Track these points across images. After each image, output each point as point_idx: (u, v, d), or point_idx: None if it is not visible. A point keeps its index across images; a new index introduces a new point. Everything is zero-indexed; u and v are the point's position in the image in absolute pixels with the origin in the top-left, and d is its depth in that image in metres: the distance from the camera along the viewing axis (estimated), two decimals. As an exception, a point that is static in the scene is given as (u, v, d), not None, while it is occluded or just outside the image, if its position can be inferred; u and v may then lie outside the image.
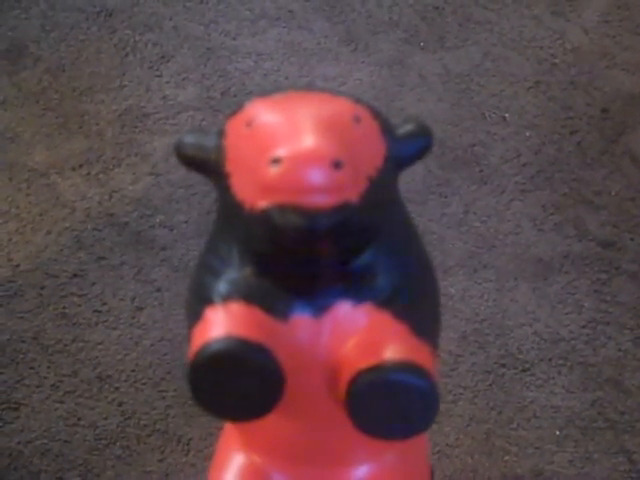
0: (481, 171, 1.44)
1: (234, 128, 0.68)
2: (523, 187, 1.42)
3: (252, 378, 0.65)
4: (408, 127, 0.70)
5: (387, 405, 0.66)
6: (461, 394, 1.19)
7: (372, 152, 0.67)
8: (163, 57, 1.59)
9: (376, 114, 0.69)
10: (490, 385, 1.20)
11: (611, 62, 1.59)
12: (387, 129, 0.69)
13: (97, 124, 1.49)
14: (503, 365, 1.22)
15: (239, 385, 0.66)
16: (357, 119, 0.67)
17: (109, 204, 1.39)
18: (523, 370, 1.21)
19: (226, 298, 0.68)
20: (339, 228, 0.64)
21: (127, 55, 1.59)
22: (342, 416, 0.68)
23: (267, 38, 1.62)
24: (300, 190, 0.62)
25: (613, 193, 1.42)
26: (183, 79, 1.56)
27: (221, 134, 0.69)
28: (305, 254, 0.65)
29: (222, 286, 0.69)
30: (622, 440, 1.16)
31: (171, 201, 1.39)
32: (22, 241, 1.34)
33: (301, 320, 0.68)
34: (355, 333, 0.68)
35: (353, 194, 0.64)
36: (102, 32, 1.62)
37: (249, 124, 0.67)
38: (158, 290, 1.28)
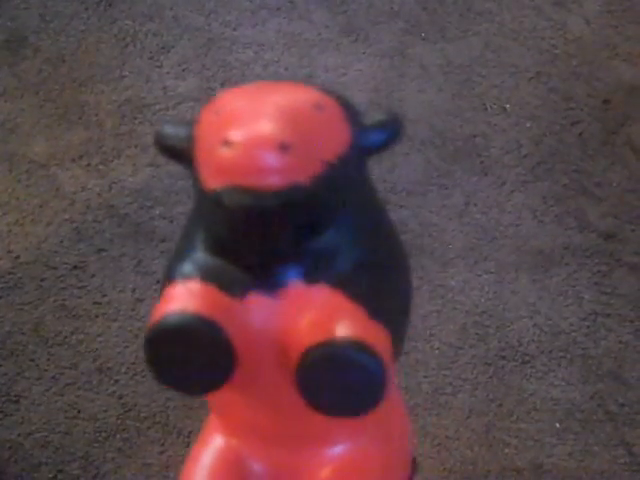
0: (482, 162, 1.43)
1: (204, 117, 0.71)
2: (524, 178, 1.42)
3: (204, 352, 0.68)
4: (377, 116, 0.73)
5: (335, 381, 0.68)
6: (461, 386, 1.19)
7: (332, 138, 0.69)
8: (163, 48, 1.58)
9: (342, 103, 0.71)
10: (490, 377, 1.20)
11: (613, 53, 1.59)
12: (353, 117, 0.71)
13: (97, 115, 1.49)
14: (503, 357, 1.22)
15: (191, 359, 0.69)
16: (318, 107, 0.69)
17: (109, 195, 1.38)
18: (523, 362, 1.21)
19: (185, 277, 0.71)
20: (288, 208, 0.66)
21: (127, 45, 1.58)
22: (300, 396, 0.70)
23: (267, 29, 1.62)
24: (249, 171, 0.65)
25: (614, 184, 1.41)
26: (183, 70, 1.55)
27: (194, 123, 0.72)
28: (256, 234, 0.68)
29: (183, 266, 0.72)
30: (622, 432, 1.16)
31: (171, 193, 1.38)
32: (22, 233, 1.34)
33: (256, 299, 0.71)
34: (309, 312, 0.70)
35: (303, 176, 0.66)
36: (102, 22, 1.62)
37: (217, 112, 0.70)
38: (158, 282, 1.28)
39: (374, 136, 0.72)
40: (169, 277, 0.73)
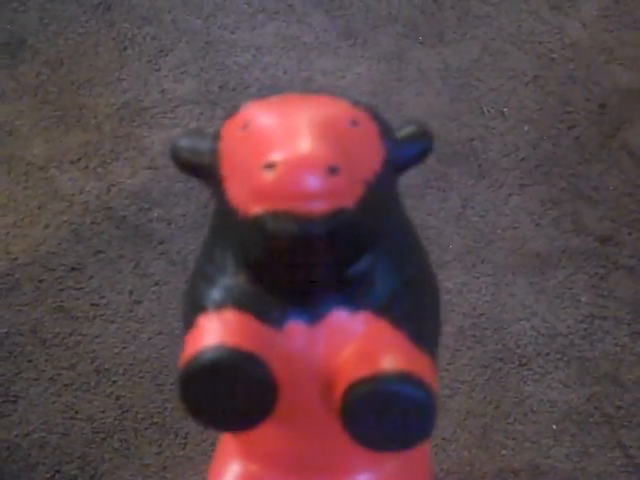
0: (479, 165, 1.44)
1: (229, 131, 0.68)
2: (521, 182, 1.42)
3: (244, 388, 0.65)
4: (409, 129, 0.69)
5: (383, 417, 0.65)
6: (458, 388, 1.19)
7: (369, 156, 0.66)
8: (162, 51, 1.59)
9: (375, 117, 0.68)
10: (487, 379, 1.20)
11: (610, 57, 1.59)
12: (386, 132, 0.68)
13: (95, 118, 1.49)
14: (500, 359, 1.22)
15: (231, 395, 0.65)
16: (354, 122, 0.66)
17: (107, 198, 1.39)
18: (520, 365, 1.22)
19: (220, 306, 0.67)
20: (334, 235, 0.63)
21: (126, 49, 1.59)
22: (338, 426, 0.67)
23: (266, 32, 1.62)
24: (294, 196, 0.61)
25: (611, 188, 1.42)
26: (182, 73, 1.55)
27: (216, 137, 0.69)
28: (300, 261, 0.64)
29: (216, 293, 0.68)
30: (619, 435, 1.16)
31: (169, 195, 1.39)
32: (20, 234, 1.34)
33: (296, 328, 0.67)
34: (351, 341, 0.67)
35: (349, 199, 0.63)
36: (100, 25, 1.62)
37: (245, 127, 0.66)
38: (156, 284, 1.28)
39: (407, 150, 0.69)
40: (199, 306, 0.69)
